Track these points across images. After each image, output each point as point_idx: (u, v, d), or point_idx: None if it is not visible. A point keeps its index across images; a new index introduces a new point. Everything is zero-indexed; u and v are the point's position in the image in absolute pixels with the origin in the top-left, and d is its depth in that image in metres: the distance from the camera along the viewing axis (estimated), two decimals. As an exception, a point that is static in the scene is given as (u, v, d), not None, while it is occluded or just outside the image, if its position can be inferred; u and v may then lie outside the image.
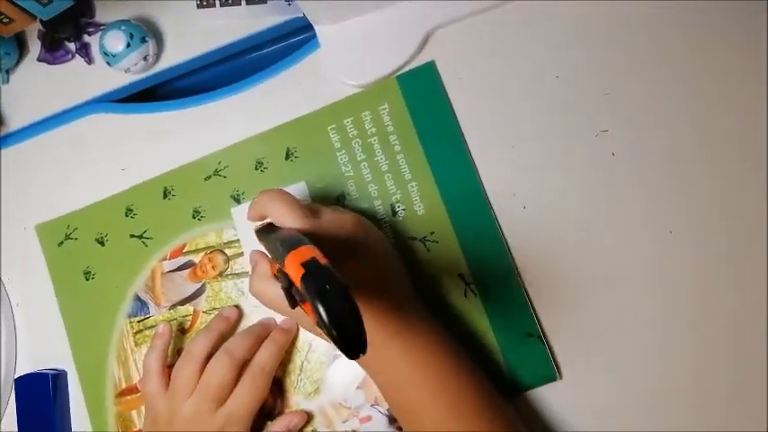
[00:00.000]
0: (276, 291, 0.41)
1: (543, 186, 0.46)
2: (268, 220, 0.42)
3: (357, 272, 0.39)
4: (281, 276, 0.31)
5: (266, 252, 0.43)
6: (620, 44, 0.47)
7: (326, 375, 0.48)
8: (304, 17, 0.51)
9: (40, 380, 0.52)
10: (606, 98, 0.46)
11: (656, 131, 0.45)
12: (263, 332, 0.48)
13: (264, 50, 0.57)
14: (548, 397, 0.44)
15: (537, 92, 0.47)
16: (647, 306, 0.44)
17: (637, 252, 0.44)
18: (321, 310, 0.26)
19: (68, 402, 0.53)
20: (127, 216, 0.53)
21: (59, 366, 0.53)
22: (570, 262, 0.45)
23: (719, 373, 0.42)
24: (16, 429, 0.52)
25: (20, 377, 0.53)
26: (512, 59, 0.48)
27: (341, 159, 0.49)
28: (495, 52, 0.49)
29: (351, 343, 0.27)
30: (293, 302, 0.32)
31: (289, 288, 0.30)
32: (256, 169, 0.51)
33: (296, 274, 0.29)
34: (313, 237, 0.38)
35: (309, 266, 0.29)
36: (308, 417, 0.47)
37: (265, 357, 0.46)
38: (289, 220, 0.39)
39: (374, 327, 0.40)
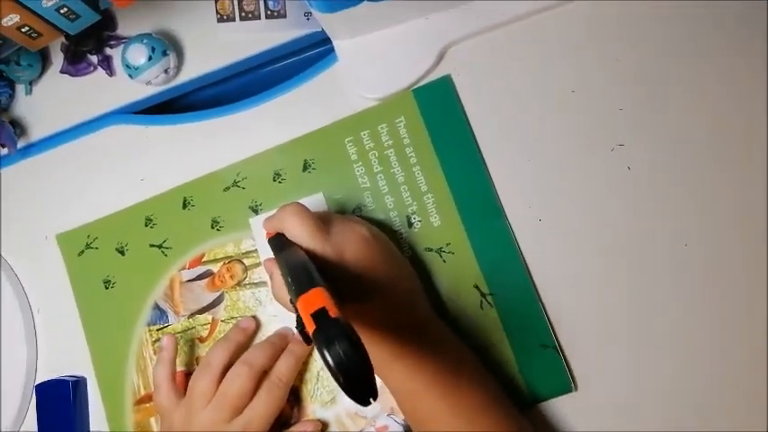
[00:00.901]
0: None
1: (559, 199, 0.47)
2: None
3: (365, 288, 0.40)
4: (296, 314, 0.32)
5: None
6: (636, 58, 0.47)
7: (343, 385, 0.48)
8: (322, 31, 0.52)
9: (61, 386, 0.53)
10: (622, 113, 0.47)
11: (671, 145, 0.46)
12: (280, 343, 0.48)
13: (283, 64, 0.58)
14: (563, 408, 0.45)
15: (553, 106, 0.48)
16: (662, 318, 0.44)
17: (652, 265, 0.45)
18: (331, 362, 0.28)
19: (88, 409, 0.54)
20: (146, 226, 0.54)
21: (79, 373, 0.54)
22: (586, 274, 0.46)
23: (739, 385, 0.43)
24: (37, 435, 0.53)
25: (40, 384, 0.54)
26: (527, 74, 0.49)
27: (357, 171, 0.50)
28: (511, 67, 0.49)
29: (361, 393, 0.28)
30: (307, 340, 0.33)
31: (302, 328, 0.31)
32: (274, 181, 0.52)
33: (307, 323, 0.30)
34: (322, 259, 0.39)
35: (320, 320, 0.29)
36: (324, 426, 0.48)
37: (283, 368, 0.47)
38: (301, 239, 0.40)
39: (387, 342, 0.41)
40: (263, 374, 0.46)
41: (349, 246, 0.40)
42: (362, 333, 0.39)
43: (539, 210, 0.47)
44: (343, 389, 0.28)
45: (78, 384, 0.53)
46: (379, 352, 0.41)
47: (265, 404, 0.45)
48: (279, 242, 0.41)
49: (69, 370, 0.55)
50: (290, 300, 0.33)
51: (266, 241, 0.45)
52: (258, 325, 0.51)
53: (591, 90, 0.48)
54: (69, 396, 0.52)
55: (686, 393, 0.43)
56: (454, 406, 0.40)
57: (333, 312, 0.30)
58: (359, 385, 0.28)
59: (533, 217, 0.47)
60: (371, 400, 0.28)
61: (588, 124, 0.47)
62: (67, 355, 0.55)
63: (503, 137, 0.49)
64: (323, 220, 0.41)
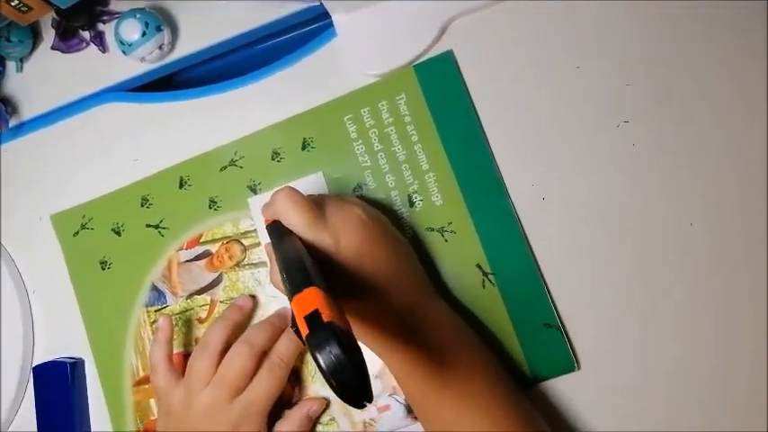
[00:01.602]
0: None
1: (562, 177, 0.47)
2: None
3: (363, 274, 0.39)
4: (292, 312, 0.32)
5: None
6: (641, 35, 0.47)
7: (345, 365, 0.49)
8: (321, 5, 0.51)
9: (58, 368, 0.53)
10: (627, 89, 0.46)
11: (676, 123, 0.46)
12: (280, 323, 0.48)
13: (280, 39, 0.58)
14: (566, 387, 0.45)
15: (557, 82, 0.48)
16: (666, 297, 0.44)
17: (656, 244, 0.45)
18: (324, 368, 0.27)
19: (86, 390, 0.54)
20: (143, 206, 0.54)
21: (77, 355, 0.54)
22: (589, 253, 0.46)
23: (742, 366, 0.43)
24: (35, 417, 0.53)
25: (38, 365, 0.54)
26: (532, 50, 0.49)
27: (358, 149, 0.50)
28: (515, 42, 0.49)
29: (354, 398, 0.28)
30: (303, 341, 0.32)
31: (297, 327, 0.31)
32: (273, 159, 0.51)
33: (301, 326, 0.29)
34: (319, 247, 0.39)
35: (313, 324, 0.29)
36: (327, 403, 0.48)
37: (284, 349, 0.47)
38: (296, 225, 0.39)
39: (386, 330, 0.40)
40: (263, 355, 0.46)
41: (345, 229, 0.40)
42: (360, 323, 0.39)
43: (542, 188, 0.47)
44: (337, 394, 0.28)
45: (76, 366, 0.53)
46: (378, 341, 0.41)
47: (266, 384, 0.45)
48: (276, 230, 0.41)
49: (67, 351, 0.55)
50: (287, 296, 0.33)
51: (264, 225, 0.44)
52: (256, 303, 0.51)
53: (596, 66, 0.47)
54: (67, 378, 0.52)
55: (690, 373, 0.43)
56: (457, 394, 0.40)
57: (326, 316, 0.29)
58: (352, 391, 0.28)
59: (537, 195, 0.47)
60: (366, 403, 0.28)
61: (593, 101, 0.47)
62: (65, 337, 0.55)
63: (505, 114, 0.48)
64: (317, 204, 0.41)
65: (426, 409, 0.41)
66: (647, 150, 0.46)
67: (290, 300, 0.31)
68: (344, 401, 0.28)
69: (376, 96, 0.50)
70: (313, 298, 0.30)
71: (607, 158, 0.46)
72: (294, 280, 0.32)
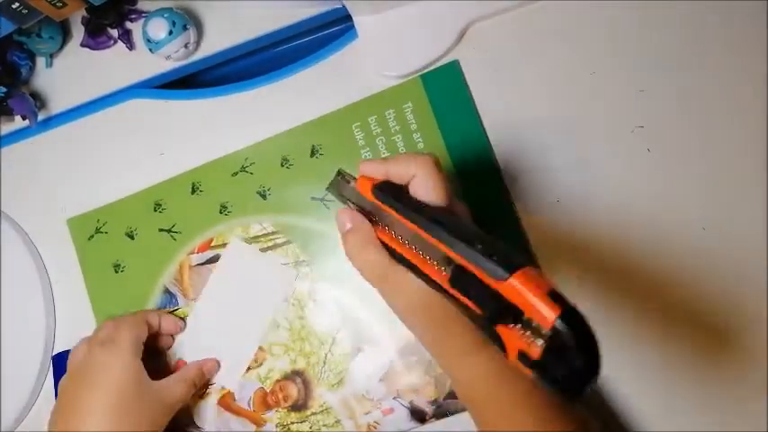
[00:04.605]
0: (377, 257, 0.39)
1: (576, 180, 0.48)
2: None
3: None
4: (487, 299, 0.28)
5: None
6: (655, 41, 0.48)
7: (350, 368, 0.51)
8: (343, 8, 0.53)
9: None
10: (642, 94, 0.47)
11: (691, 128, 0.46)
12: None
13: (302, 40, 0.60)
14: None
15: (573, 87, 0.49)
16: (676, 302, 0.45)
17: (669, 248, 0.46)
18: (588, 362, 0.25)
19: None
20: (156, 211, 0.56)
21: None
22: (601, 257, 0.47)
23: (752, 370, 0.43)
24: (53, 402, 0.56)
25: (57, 354, 0.58)
26: (547, 55, 0.50)
27: (365, 156, 0.52)
28: (532, 47, 0.50)
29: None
30: (490, 326, 0.28)
31: (493, 317, 0.27)
32: (282, 166, 0.54)
33: (549, 307, 0.26)
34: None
35: (566, 315, 0.25)
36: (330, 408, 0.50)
37: None
38: (435, 195, 0.37)
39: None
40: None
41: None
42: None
43: (555, 194, 0.48)
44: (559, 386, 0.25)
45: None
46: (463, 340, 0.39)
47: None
48: (391, 191, 0.36)
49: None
50: (486, 272, 0.29)
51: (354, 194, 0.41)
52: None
53: (610, 72, 0.48)
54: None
55: (698, 379, 0.44)
56: (527, 401, 0.39)
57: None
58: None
59: (549, 200, 0.48)
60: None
61: (607, 106, 0.48)
62: (82, 331, 0.58)
63: (516, 120, 0.50)
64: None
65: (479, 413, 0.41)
66: (661, 155, 0.47)
67: (506, 277, 0.27)
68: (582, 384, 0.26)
69: (383, 105, 0.52)
70: (540, 276, 0.27)
71: (621, 163, 0.47)
72: (501, 253, 0.28)
